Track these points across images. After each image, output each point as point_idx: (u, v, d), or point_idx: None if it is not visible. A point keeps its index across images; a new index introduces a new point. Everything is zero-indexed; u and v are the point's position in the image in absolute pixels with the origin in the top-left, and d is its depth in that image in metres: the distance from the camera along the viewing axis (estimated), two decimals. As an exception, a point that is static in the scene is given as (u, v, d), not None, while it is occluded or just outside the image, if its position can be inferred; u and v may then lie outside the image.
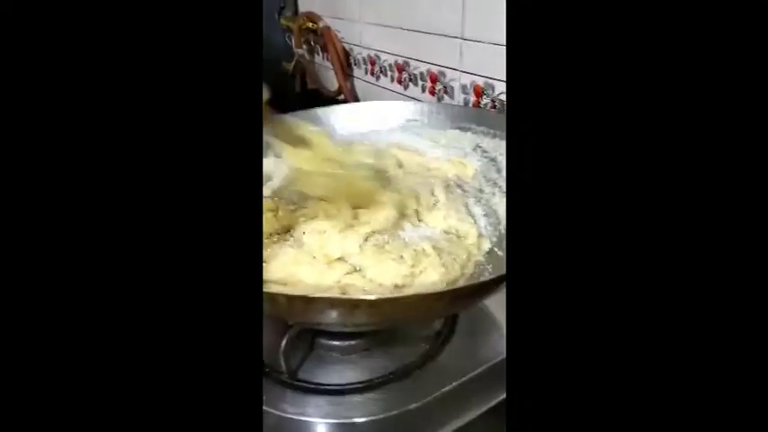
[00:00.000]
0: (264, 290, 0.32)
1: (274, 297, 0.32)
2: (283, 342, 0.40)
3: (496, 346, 0.45)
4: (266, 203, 0.50)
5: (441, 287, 0.41)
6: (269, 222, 0.49)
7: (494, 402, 0.43)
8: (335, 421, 0.39)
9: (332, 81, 1.11)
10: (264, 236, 0.48)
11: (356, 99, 1.06)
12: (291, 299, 0.32)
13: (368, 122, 0.62)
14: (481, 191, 0.55)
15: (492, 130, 0.57)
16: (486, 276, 0.44)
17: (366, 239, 0.46)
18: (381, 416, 0.39)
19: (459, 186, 0.56)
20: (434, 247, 0.45)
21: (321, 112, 0.59)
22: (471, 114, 0.61)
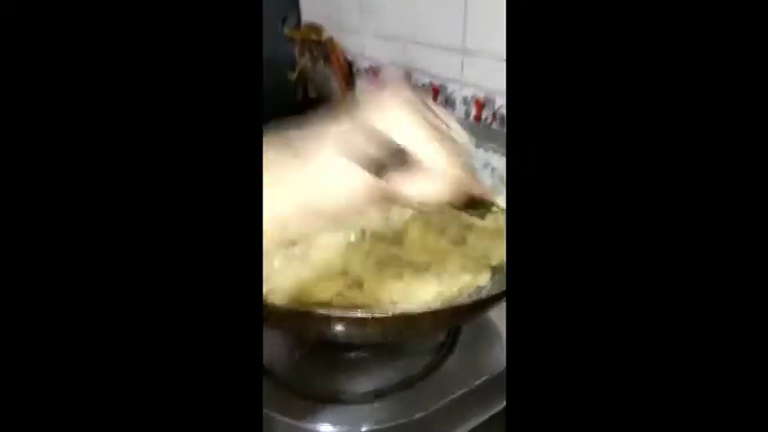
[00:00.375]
0: (277, 304, 0.34)
1: (282, 311, 0.34)
2: (297, 355, 0.42)
3: (498, 357, 0.47)
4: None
5: (437, 306, 0.42)
6: (276, 238, 0.51)
7: (494, 411, 0.44)
8: (343, 429, 0.41)
9: (334, 91, 1.12)
10: (273, 248, 0.50)
11: (359, 109, 1.07)
12: (299, 314, 0.34)
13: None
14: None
15: (502, 148, 0.57)
16: (483, 295, 0.45)
17: (368, 255, 0.48)
18: (387, 424, 0.41)
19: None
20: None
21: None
22: (481, 131, 0.62)
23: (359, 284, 0.45)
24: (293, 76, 1.21)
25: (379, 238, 0.49)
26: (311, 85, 1.22)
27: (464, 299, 0.43)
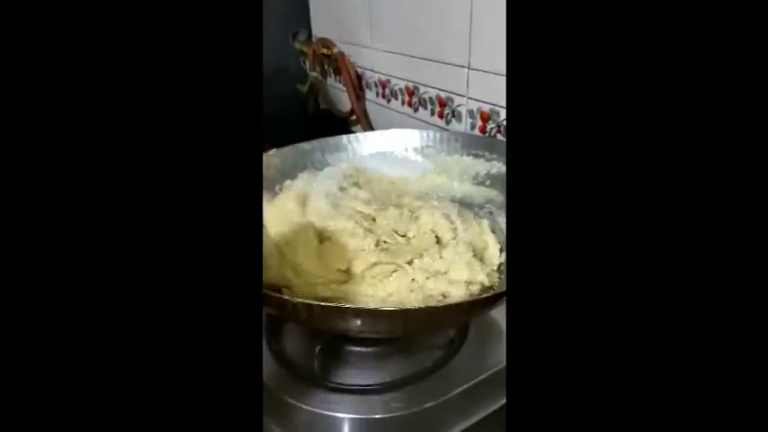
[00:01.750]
0: (301, 300, 0.38)
1: (307, 306, 0.37)
2: (317, 348, 0.45)
3: (502, 353, 0.49)
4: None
5: (442, 303, 0.45)
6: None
7: (499, 404, 0.47)
8: (360, 417, 0.43)
9: (344, 102, 1.15)
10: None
11: (368, 120, 1.10)
12: (325, 309, 0.37)
13: (387, 147, 0.66)
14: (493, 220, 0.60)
15: (503, 158, 0.59)
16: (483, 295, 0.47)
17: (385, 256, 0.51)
18: (400, 413, 0.43)
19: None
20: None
21: (345, 139, 0.65)
22: (486, 141, 0.64)
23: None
24: (304, 88, 1.25)
25: (394, 243, 0.53)
26: (322, 97, 1.26)
27: (477, 296, 0.46)
